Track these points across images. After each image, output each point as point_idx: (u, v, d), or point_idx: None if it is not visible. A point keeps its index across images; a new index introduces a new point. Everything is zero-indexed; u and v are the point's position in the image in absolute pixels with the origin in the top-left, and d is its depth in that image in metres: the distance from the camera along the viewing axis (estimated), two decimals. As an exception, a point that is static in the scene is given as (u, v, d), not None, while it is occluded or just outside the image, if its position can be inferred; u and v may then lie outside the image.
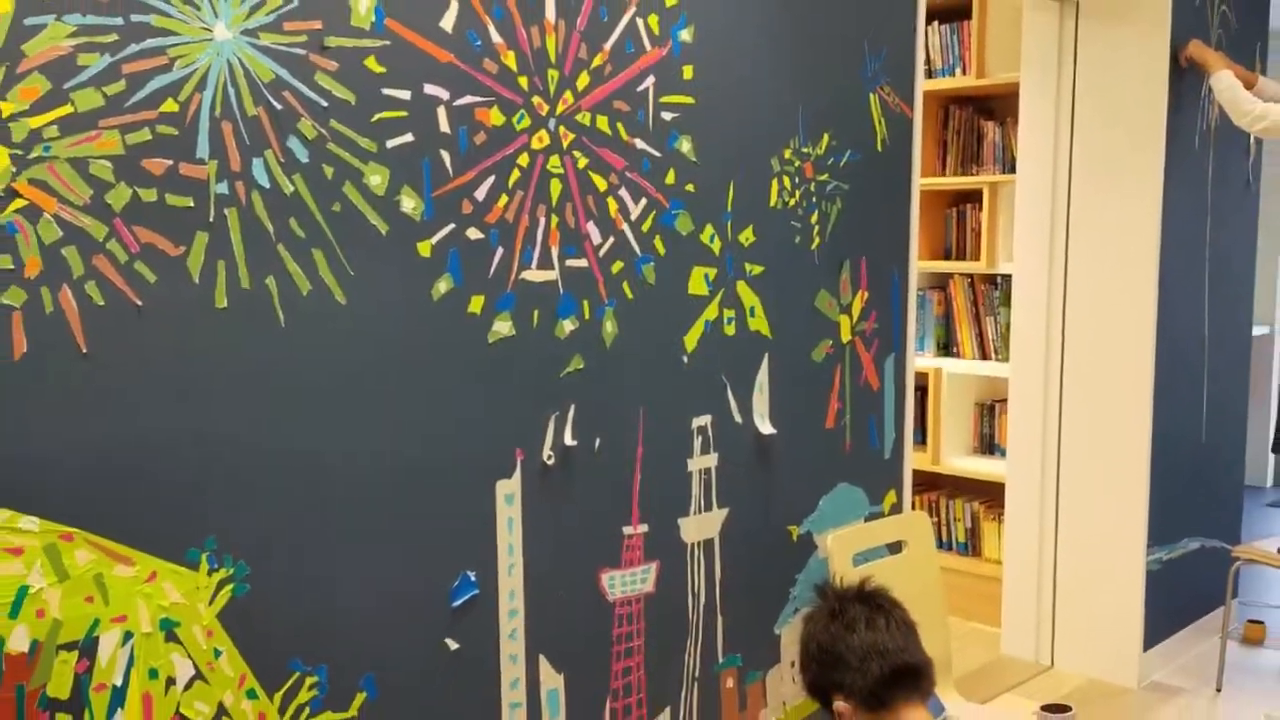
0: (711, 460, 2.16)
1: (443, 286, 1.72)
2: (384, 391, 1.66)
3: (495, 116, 1.76)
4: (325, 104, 1.57)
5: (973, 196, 3.78)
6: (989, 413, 3.89)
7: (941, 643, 2.35)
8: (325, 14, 1.56)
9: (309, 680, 1.61)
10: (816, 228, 2.32)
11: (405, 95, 1.65)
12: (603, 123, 1.91)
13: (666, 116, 2.01)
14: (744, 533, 2.24)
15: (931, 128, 3.77)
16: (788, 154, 2.24)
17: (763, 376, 2.24)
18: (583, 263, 1.90)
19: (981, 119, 3.74)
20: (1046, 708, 2.17)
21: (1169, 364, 3.18)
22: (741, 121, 2.14)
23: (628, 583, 2.04)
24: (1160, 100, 3.03)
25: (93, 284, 1.38)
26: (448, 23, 1.69)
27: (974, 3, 3.65)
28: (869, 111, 2.41)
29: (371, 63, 1.61)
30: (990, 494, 3.77)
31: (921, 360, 3.77)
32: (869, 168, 2.42)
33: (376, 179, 1.63)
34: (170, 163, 1.43)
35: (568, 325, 1.89)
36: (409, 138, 1.65)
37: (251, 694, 1.55)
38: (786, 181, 2.25)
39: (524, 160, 1.80)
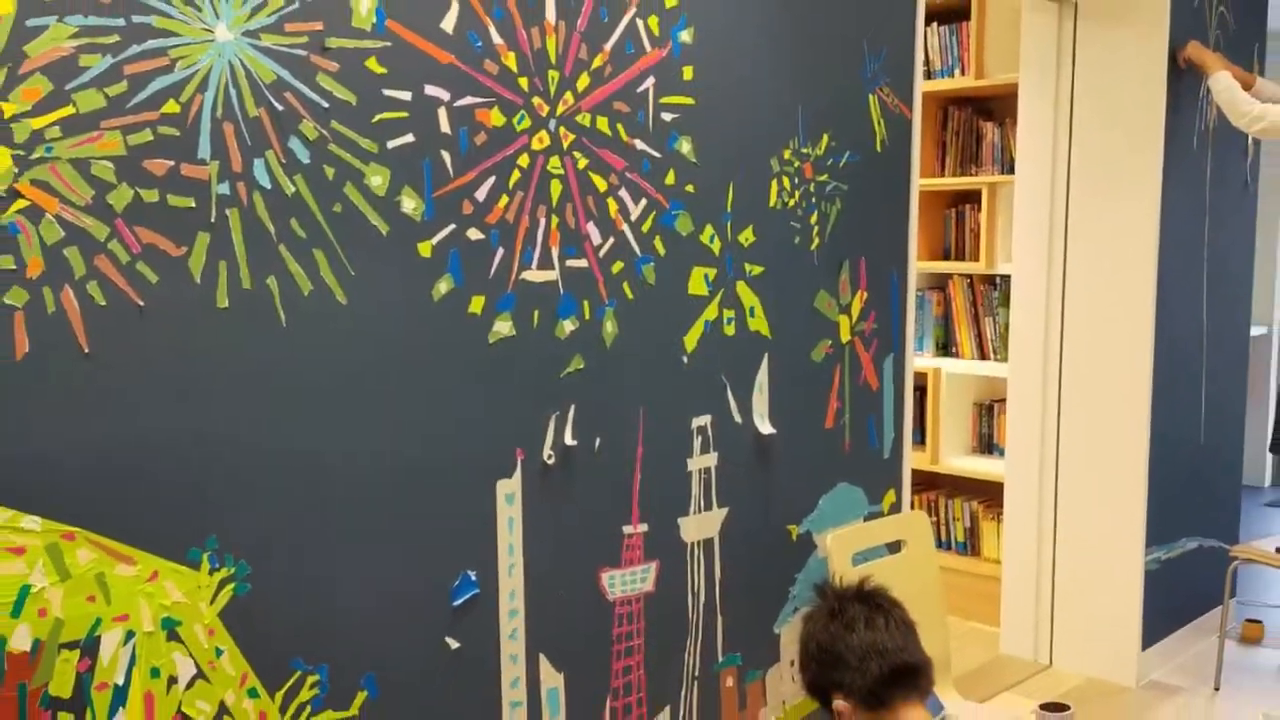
0: (711, 460, 2.17)
1: (443, 287, 1.72)
2: (385, 391, 1.67)
3: (496, 117, 1.76)
4: (326, 105, 1.57)
5: (971, 197, 3.79)
6: (988, 412, 3.89)
7: (940, 642, 2.36)
8: (326, 15, 1.56)
9: (310, 679, 1.62)
10: (816, 228, 2.33)
11: (406, 96, 1.65)
12: (603, 123, 1.91)
13: (666, 117, 2.01)
14: (744, 532, 2.24)
15: (930, 128, 3.77)
16: (787, 154, 2.25)
17: (762, 376, 2.25)
18: (583, 263, 1.91)
19: (980, 120, 3.75)
20: (1045, 707, 2.18)
21: (1167, 364, 3.19)
22: (741, 122, 2.15)
23: (628, 582, 2.04)
24: (1159, 101, 3.04)
25: (94, 284, 1.38)
26: (448, 24, 1.69)
27: (973, 4, 3.65)
28: (868, 112, 2.42)
29: (372, 64, 1.62)
30: (989, 493, 3.77)
31: (920, 360, 3.78)
32: (868, 168, 2.43)
33: (377, 179, 1.63)
34: (172, 163, 1.43)
35: (568, 325, 1.90)
36: (410, 138, 1.66)
37: (253, 693, 1.56)
38: (786, 182, 2.25)
39: (524, 161, 1.80)
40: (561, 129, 1.85)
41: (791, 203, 2.27)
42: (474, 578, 1.80)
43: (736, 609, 2.25)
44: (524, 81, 1.79)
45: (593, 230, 1.92)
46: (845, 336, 2.43)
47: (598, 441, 1.96)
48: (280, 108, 1.52)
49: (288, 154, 1.54)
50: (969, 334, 3.81)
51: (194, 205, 1.46)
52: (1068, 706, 2.15)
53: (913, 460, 2.69)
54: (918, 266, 2.67)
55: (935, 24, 3.73)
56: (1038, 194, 3.27)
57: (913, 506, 2.73)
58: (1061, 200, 3.22)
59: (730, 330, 2.17)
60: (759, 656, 2.31)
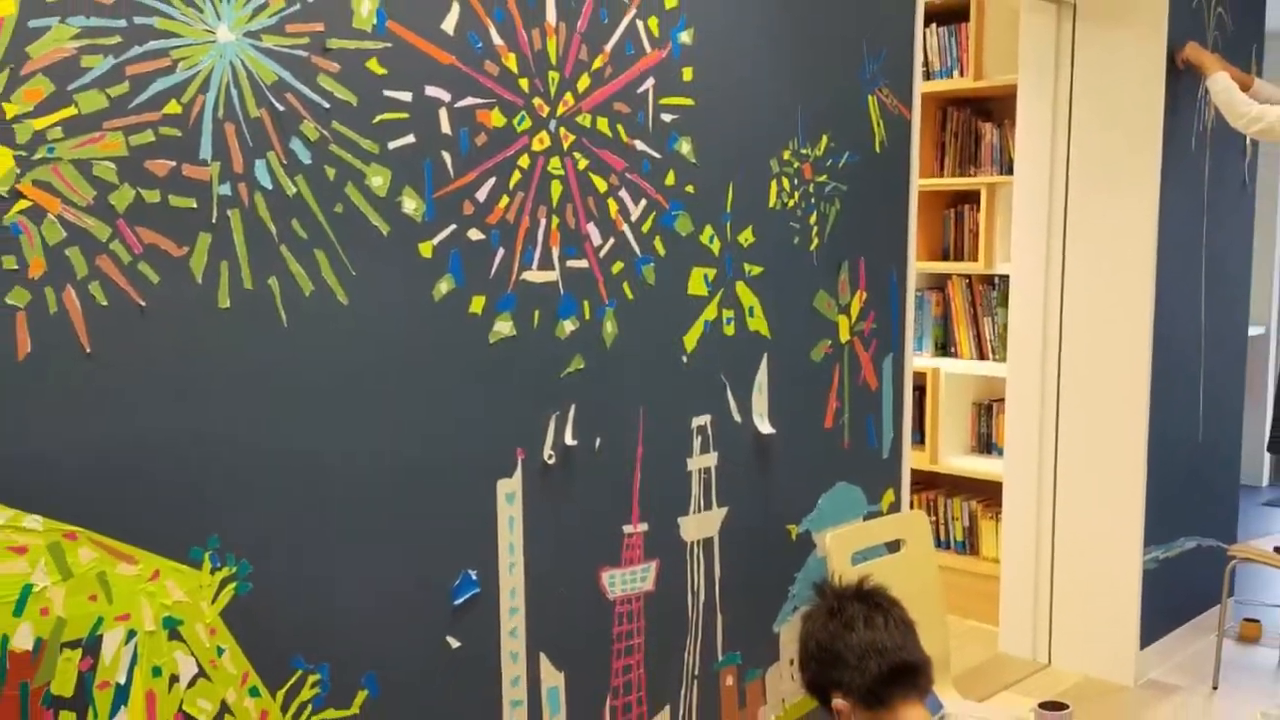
0: (711, 459, 2.17)
1: (444, 287, 1.73)
2: (386, 391, 1.67)
3: (496, 118, 1.76)
4: (327, 105, 1.57)
5: (970, 197, 3.79)
6: (986, 412, 3.90)
7: (939, 641, 2.36)
8: (327, 16, 1.57)
9: (311, 678, 1.62)
10: (815, 228, 2.33)
11: (407, 97, 1.66)
12: (603, 124, 1.92)
13: (666, 118, 2.02)
14: (743, 531, 2.25)
15: (930, 129, 3.78)
16: (787, 155, 2.25)
17: (762, 376, 2.25)
18: (583, 263, 1.91)
19: (979, 120, 3.76)
20: (1044, 705, 2.18)
21: (1165, 364, 3.19)
22: (741, 123, 2.15)
23: (628, 581, 2.05)
24: (1157, 102, 3.04)
25: (96, 284, 1.39)
26: (449, 25, 1.70)
27: (972, 5, 3.66)
28: (868, 113, 2.42)
29: (373, 65, 1.62)
30: (988, 493, 3.78)
31: (919, 360, 3.78)
32: (867, 169, 2.43)
33: (378, 180, 1.64)
34: (173, 164, 1.44)
35: (568, 325, 1.90)
36: (410, 139, 1.66)
37: (254, 691, 1.56)
38: (785, 182, 2.26)
39: (525, 162, 1.81)
40: (562, 130, 1.86)
41: (791, 203, 2.27)
42: (474, 577, 1.80)
43: (736, 608, 2.25)
44: (524, 82, 1.80)
45: (593, 231, 1.92)
46: (844, 336, 2.43)
47: (598, 441, 1.97)
48: (281, 108, 1.53)
49: (289, 154, 1.54)
50: (968, 334, 3.82)
51: (195, 206, 1.46)
52: (1066, 705, 2.16)
53: (912, 460, 2.69)
54: (917, 267, 2.68)
55: (934, 25, 3.74)
56: (1036, 194, 3.27)
57: (912, 506, 2.74)
58: (1060, 200, 3.23)
59: (730, 330, 2.18)
60: (759, 655, 2.32)
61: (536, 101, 1.82)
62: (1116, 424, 3.16)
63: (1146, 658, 3.26)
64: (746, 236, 2.19)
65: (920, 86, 2.56)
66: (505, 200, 1.79)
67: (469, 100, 1.73)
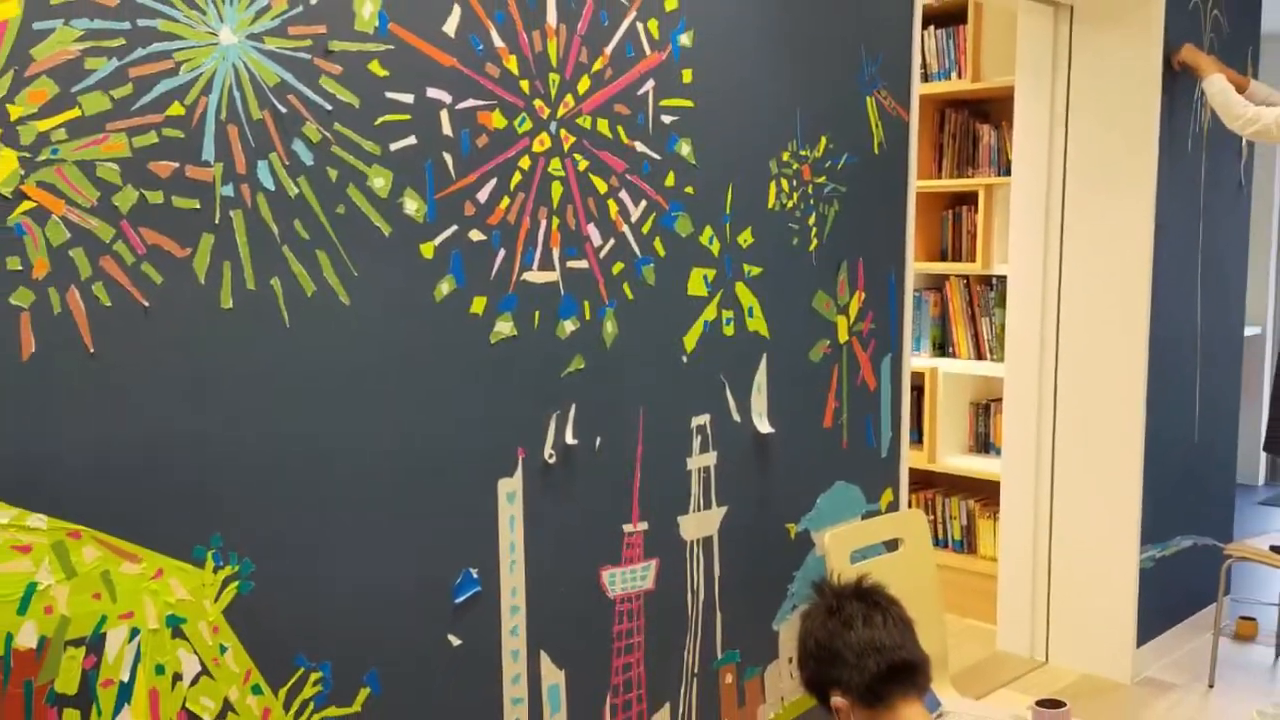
0: (710, 459, 2.18)
1: (445, 287, 1.74)
2: (387, 391, 1.68)
3: (497, 119, 1.77)
4: (329, 107, 1.58)
5: (968, 199, 3.80)
6: (984, 412, 3.91)
7: (938, 639, 2.37)
8: (329, 18, 1.58)
9: (313, 676, 1.63)
10: (814, 229, 2.35)
11: (408, 99, 1.66)
12: (603, 126, 1.93)
13: (666, 120, 2.03)
14: (742, 530, 2.26)
15: (928, 131, 3.79)
16: (786, 157, 2.26)
17: (761, 376, 2.26)
18: (583, 264, 1.92)
19: (977, 122, 3.77)
20: (1041, 703, 2.19)
21: (1162, 364, 3.21)
22: (740, 125, 2.16)
23: (628, 580, 2.06)
24: (1153, 104, 3.05)
25: (100, 285, 1.40)
26: (450, 27, 1.71)
27: (969, 8, 3.67)
28: (866, 115, 2.43)
29: (375, 66, 1.63)
30: (985, 492, 3.79)
31: (918, 360, 3.79)
32: (866, 170, 2.44)
33: (380, 181, 1.65)
34: (176, 165, 1.45)
35: (569, 326, 1.91)
36: (412, 140, 1.67)
37: (257, 689, 1.57)
38: (785, 184, 2.27)
39: (525, 163, 1.82)
40: (562, 131, 1.87)
41: (790, 204, 2.28)
42: (475, 575, 1.81)
43: (735, 606, 2.26)
44: (525, 84, 1.81)
45: (593, 231, 1.93)
46: (843, 337, 2.45)
47: (598, 441, 1.98)
48: (284, 110, 1.54)
49: (291, 156, 1.55)
50: (966, 334, 3.83)
51: (198, 207, 1.47)
52: (1063, 703, 2.17)
53: (910, 459, 2.70)
54: (915, 267, 2.69)
55: (932, 27, 3.75)
56: (1034, 195, 3.29)
57: (910, 505, 2.75)
58: (1057, 201, 3.24)
59: (729, 330, 2.19)
60: (758, 653, 2.33)
61: (537, 103, 1.83)
62: (1113, 423, 3.18)
63: (1143, 656, 3.28)
64: (746, 237, 2.20)
65: (918, 88, 2.57)
66: (506, 201, 1.80)
67: (470, 102, 1.74)
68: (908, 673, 1.73)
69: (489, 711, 1.85)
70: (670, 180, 2.05)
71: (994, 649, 3.47)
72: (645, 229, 2.02)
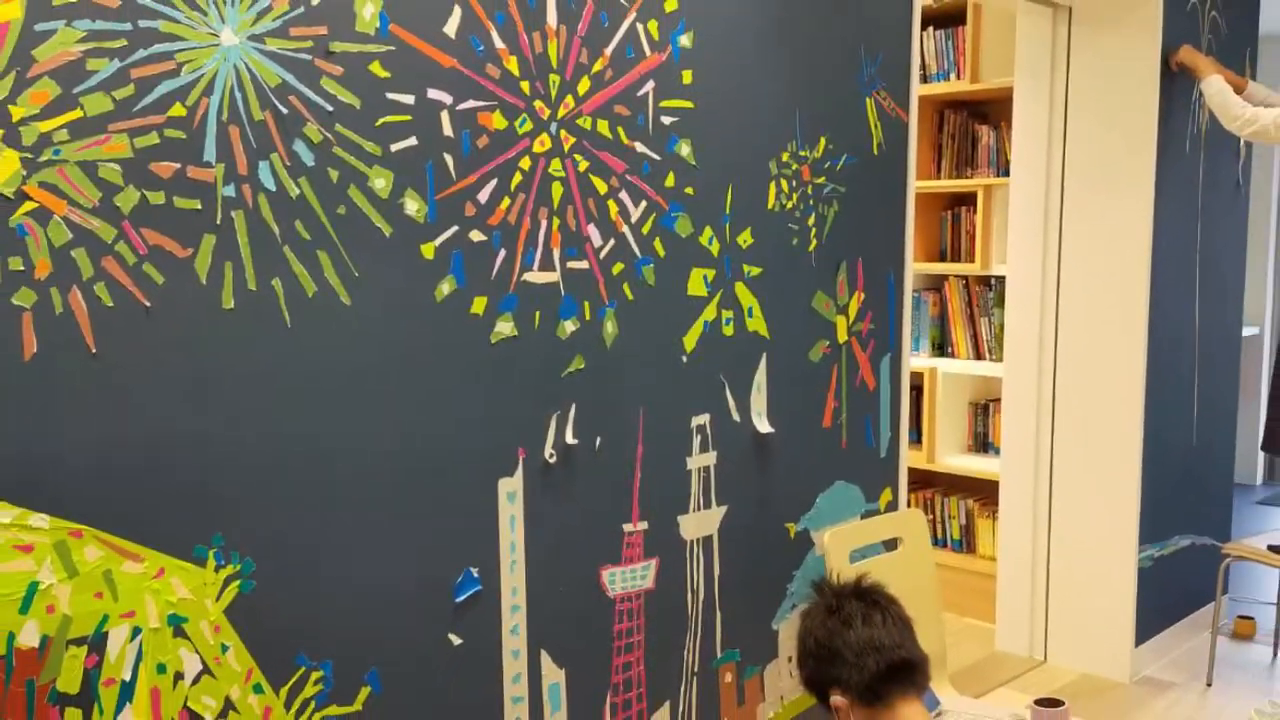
0: (710, 458, 2.19)
1: (446, 288, 1.74)
2: (388, 391, 1.68)
3: (498, 120, 1.78)
4: (330, 108, 1.59)
5: (967, 199, 3.81)
6: (983, 412, 3.92)
7: (937, 638, 2.38)
8: (330, 20, 1.58)
9: (314, 675, 1.63)
10: (814, 230, 2.35)
11: (409, 100, 1.67)
12: (603, 126, 1.93)
13: (666, 120, 2.03)
14: (742, 530, 2.26)
15: (927, 131, 3.80)
16: (785, 157, 2.27)
17: (760, 376, 2.27)
18: (584, 264, 1.93)
19: (976, 123, 3.77)
20: (1040, 702, 2.19)
21: (1160, 364, 3.21)
22: (740, 125, 2.17)
23: (628, 579, 2.06)
24: (1152, 104, 3.06)
25: (102, 285, 1.40)
26: (451, 28, 1.71)
27: (968, 9, 3.68)
28: (865, 116, 2.44)
29: (376, 67, 1.63)
30: (984, 492, 3.80)
31: (917, 360, 3.80)
32: (865, 171, 2.45)
33: (381, 182, 1.65)
34: (178, 166, 1.45)
35: (569, 326, 1.91)
36: (413, 141, 1.68)
37: (258, 688, 1.58)
38: (784, 184, 2.27)
39: (526, 163, 1.82)
40: (562, 132, 1.87)
41: (790, 205, 2.29)
42: (476, 574, 1.82)
43: (735, 605, 2.27)
44: (525, 85, 1.81)
45: (593, 232, 1.94)
46: (842, 337, 2.45)
47: (598, 440, 1.98)
48: (285, 111, 1.54)
49: (292, 157, 1.55)
50: (965, 334, 3.83)
51: (200, 207, 1.48)
52: (1062, 702, 2.17)
53: (909, 459, 2.71)
54: (914, 268, 2.70)
55: (931, 29, 3.76)
56: (1032, 196, 3.29)
57: (909, 504, 2.76)
58: (1056, 202, 3.25)
59: (729, 330, 2.19)
60: (757, 652, 2.33)
61: (537, 104, 1.83)
62: (1112, 423, 3.18)
63: (1141, 655, 3.28)
64: (745, 238, 2.21)
65: (917, 89, 2.58)
66: (506, 202, 1.80)
67: (470, 103, 1.74)
68: (907, 671, 1.74)
69: (489, 710, 1.86)
70: (670, 181, 2.05)
71: (993, 648, 3.48)
72: (645, 229, 2.02)
